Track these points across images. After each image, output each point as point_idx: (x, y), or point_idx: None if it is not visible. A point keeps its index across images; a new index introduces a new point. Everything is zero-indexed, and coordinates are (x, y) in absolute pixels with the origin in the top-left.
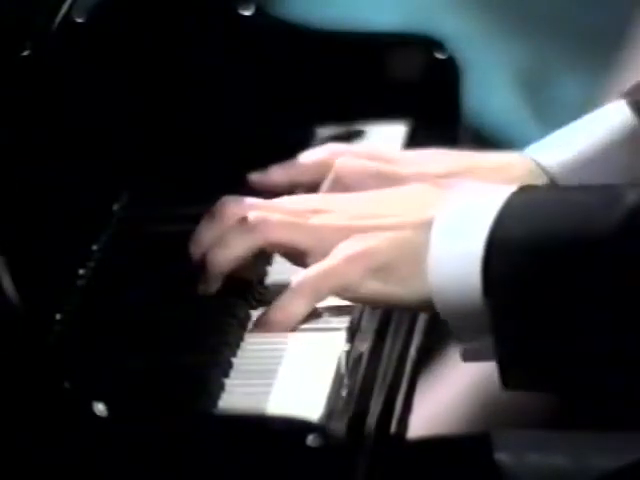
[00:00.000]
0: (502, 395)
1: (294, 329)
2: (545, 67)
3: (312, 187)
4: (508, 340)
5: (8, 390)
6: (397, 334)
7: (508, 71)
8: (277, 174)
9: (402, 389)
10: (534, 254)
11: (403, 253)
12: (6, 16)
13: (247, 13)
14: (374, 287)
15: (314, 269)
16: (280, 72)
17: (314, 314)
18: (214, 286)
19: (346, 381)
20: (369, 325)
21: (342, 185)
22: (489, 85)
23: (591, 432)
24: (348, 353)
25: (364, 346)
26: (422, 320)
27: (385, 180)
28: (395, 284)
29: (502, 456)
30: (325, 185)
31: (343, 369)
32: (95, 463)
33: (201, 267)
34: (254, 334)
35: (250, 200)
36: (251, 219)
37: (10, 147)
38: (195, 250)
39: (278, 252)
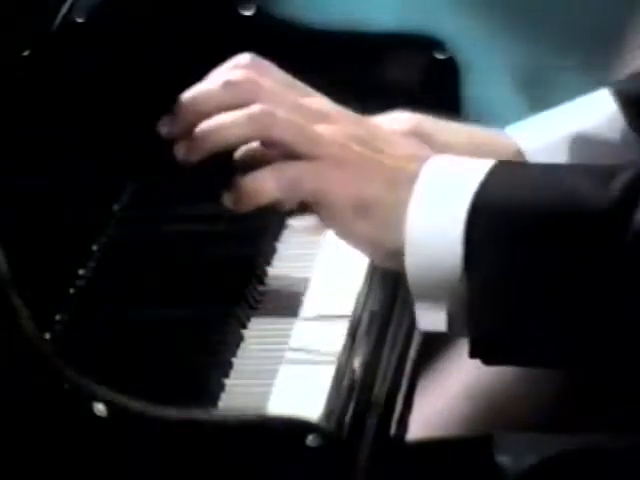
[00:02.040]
0: (502, 396)
1: (294, 330)
2: (546, 68)
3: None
4: (483, 312)
5: (8, 390)
6: (397, 334)
7: (508, 71)
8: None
9: (402, 389)
10: (520, 223)
11: (391, 197)
12: (6, 16)
13: (248, 13)
14: (352, 219)
15: (303, 163)
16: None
17: (314, 313)
18: (195, 158)
19: (346, 381)
20: (369, 325)
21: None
22: (489, 85)
23: (591, 434)
24: (348, 353)
25: (364, 346)
26: None
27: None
28: (372, 223)
29: (501, 458)
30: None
31: (343, 369)
32: (95, 463)
33: (185, 131)
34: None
35: (270, 74)
36: (260, 110)
37: (10, 147)
38: (192, 109)
39: (271, 147)
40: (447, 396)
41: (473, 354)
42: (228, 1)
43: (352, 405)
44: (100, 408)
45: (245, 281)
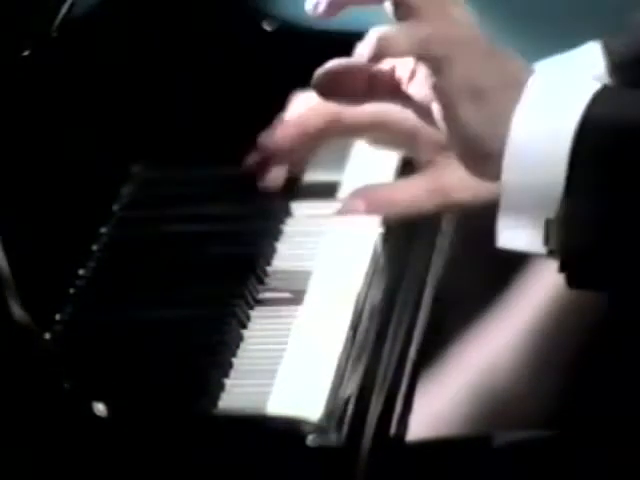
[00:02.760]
0: (502, 395)
1: (293, 330)
2: None
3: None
4: (578, 232)
5: (8, 390)
6: (397, 334)
7: None
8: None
9: (402, 389)
10: (627, 145)
11: (506, 94)
12: (6, 16)
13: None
14: (463, 101)
15: (438, 29)
16: (279, 72)
17: (314, 313)
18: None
19: (346, 381)
20: (369, 325)
21: None
22: None
23: (592, 433)
24: (348, 353)
25: (364, 346)
26: (422, 320)
27: None
28: (480, 113)
29: (502, 457)
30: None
31: (343, 369)
32: (95, 463)
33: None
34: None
35: None
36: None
37: (10, 147)
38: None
39: (405, 10)
40: (447, 396)
41: (561, 271)
42: (229, 1)
43: (352, 405)
44: (100, 408)
45: (245, 281)
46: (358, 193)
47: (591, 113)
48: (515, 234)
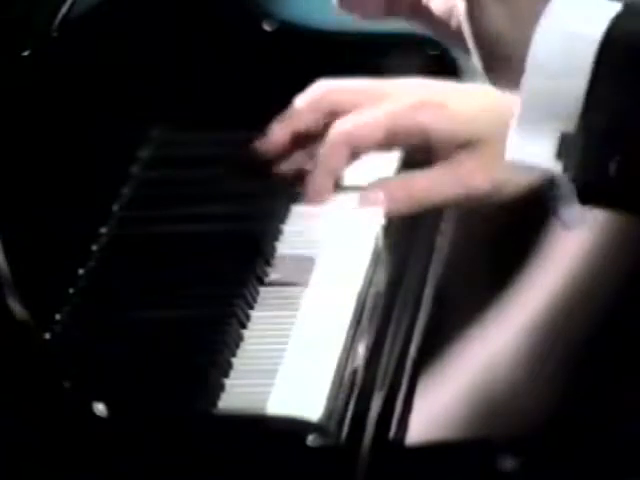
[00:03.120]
0: (502, 396)
1: (293, 330)
2: None
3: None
4: (599, 139)
5: (8, 390)
6: (397, 334)
7: None
8: (277, 133)
9: (402, 389)
10: None
11: None
12: (6, 16)
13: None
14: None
15: None
16: (279, 72)
17: (314, 313)
18: None
19: (346, 381)
20: (369, 325)
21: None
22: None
23: (591, 434)
24: (348, 353)
25: (364, 346)
26: (422, 319)
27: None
28: (507, 12)
29: (502, 459)
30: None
31: (343, 369)
32: (95, 463)
33: None
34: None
35: None
36: None
37: (10, 147)
38: None
39: None
40: (447, 396)
41: (573, 185)
42: (228, 2)
43: (352, 405)
44: (100, 408)
45: (245, 281)
46: (377, 185)
47: (618, 24)
48: (529, 147)
